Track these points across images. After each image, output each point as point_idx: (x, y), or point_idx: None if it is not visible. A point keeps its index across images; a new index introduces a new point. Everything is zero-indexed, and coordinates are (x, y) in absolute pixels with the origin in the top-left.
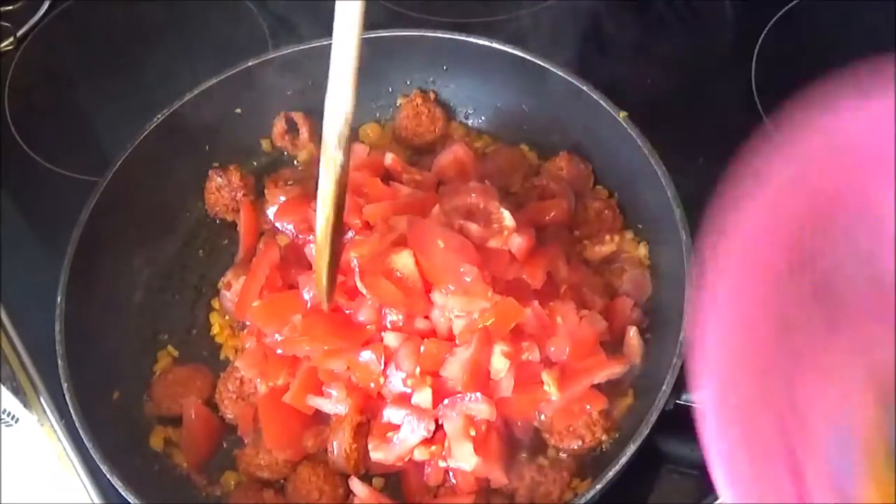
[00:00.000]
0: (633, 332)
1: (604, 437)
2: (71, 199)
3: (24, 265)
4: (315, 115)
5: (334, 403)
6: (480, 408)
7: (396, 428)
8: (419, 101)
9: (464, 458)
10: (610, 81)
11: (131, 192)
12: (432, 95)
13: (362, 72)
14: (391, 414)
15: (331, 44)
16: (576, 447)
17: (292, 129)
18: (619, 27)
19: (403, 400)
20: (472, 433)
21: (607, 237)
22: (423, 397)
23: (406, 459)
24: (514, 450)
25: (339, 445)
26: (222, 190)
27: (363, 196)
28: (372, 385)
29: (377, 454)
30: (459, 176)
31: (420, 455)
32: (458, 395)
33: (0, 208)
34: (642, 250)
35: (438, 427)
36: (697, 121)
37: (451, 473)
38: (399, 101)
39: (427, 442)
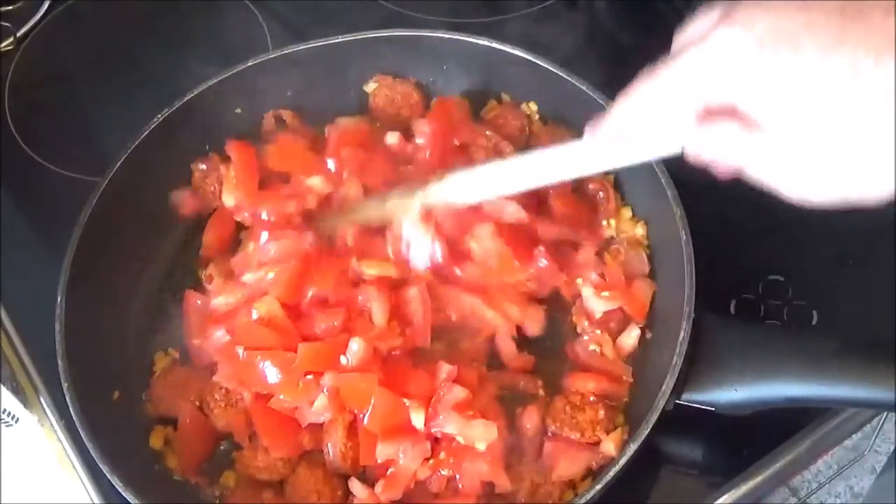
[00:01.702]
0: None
1: (602, 437)
2: (71, 199)
3: (24, 265)
4: (309, 114)
5: (318, 414)
6: (456, 392)
7: (393, 462)
8: (388, 82)
9: (484, 436)
10: (610, 81)
11: (131, 192)
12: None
13: (360, 72)
14: (384, 451)
15: (329, 44)
16: (574, 438)
17: (280, 126)
18: (620, 27)
19: (393, 432)
20: (471, 413)
21: (604, 223)
22: (418, 419)
23: (413, 486)
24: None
25: (334, 445)
26: (209, 177)
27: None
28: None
29: (389, 494)
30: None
31: (423, 474)
32: (436, 399)
33: (0, 208)
34: (640, 230)
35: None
36: None
37: (457, 476)
38: (369, 89)
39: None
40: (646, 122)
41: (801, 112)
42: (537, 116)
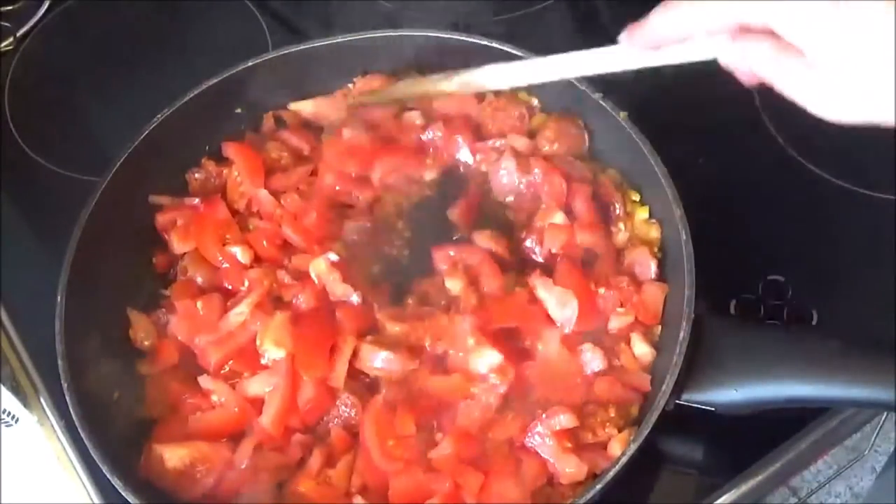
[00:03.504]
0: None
1: (613, 432)
2: (71, 199)
3: (24, 265)
4: (308, 115)
5: None
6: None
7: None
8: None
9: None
10: (610, 81)
11: (131, 192)
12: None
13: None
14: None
15: (329, 44)
16: (586, 440)
17: (281, 127)
18: (620, 27)
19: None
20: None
21: (613, 228)
22: None
23: None
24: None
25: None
26: (207, 183)
27: None
28: None
29: None
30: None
31: None
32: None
33: (0, 208)
34: (654, 233)
35: None
36: (697, 121)
37: None
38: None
39: None
40: (682, 35)
41: (838, 44)
42: (535, 102)
